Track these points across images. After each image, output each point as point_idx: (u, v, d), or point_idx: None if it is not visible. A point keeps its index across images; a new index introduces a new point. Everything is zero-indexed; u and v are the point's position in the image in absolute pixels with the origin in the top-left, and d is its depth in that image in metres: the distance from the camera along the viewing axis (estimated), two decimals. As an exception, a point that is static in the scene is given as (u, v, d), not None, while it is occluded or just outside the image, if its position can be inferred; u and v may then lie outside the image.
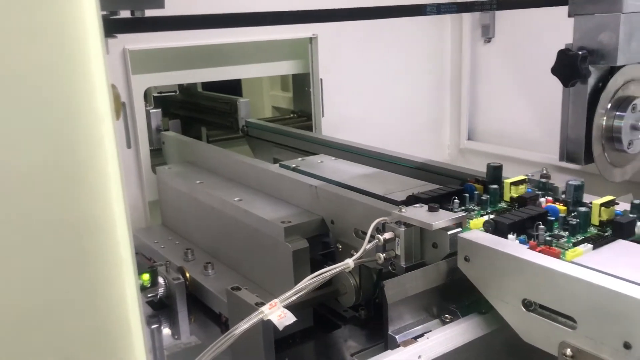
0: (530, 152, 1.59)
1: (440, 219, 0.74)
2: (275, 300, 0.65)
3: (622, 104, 0.84)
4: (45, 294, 0.36)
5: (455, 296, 0.75)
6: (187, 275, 1.05)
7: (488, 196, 0.84)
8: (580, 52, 0.79)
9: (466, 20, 1.74)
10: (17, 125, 0.33)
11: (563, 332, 0.62)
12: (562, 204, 0.79)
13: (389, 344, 0.68)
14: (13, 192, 0.34)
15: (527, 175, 0.89)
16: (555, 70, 0.82)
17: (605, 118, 0.84)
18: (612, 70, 0.83)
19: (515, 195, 0.85)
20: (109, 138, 0.35)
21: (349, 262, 0.72)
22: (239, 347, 0.85)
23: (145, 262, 0.50)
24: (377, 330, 0.86)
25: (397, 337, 0.68)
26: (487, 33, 1.69)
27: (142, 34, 1.28)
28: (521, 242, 0.69)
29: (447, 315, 0.73)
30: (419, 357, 0.65)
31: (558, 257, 0.65)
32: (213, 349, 0.60)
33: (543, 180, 0.88)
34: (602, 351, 0.58)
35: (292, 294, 0.65)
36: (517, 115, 1.68)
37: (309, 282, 0.67)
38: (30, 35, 0.33)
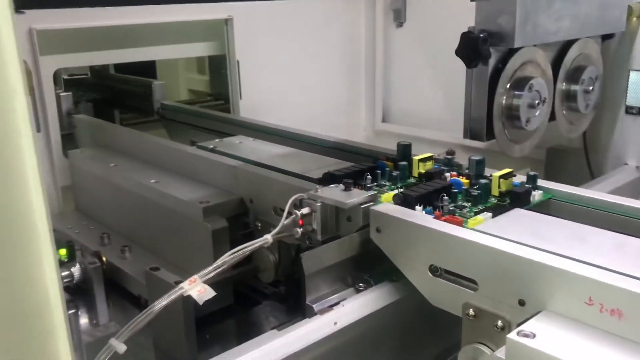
0: (441, 133, 1.66)
1: (353, 197, 0.77)
2: (195, 276, 0.66)
3: (519, 84, 0.91)
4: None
5: (368, 266, 0.79)
6: (104, 259, 1.03)
7: (398, 172, 0.89)
8: (481, 35, 0.84)
9: (379, 5, 1.79)
10: None
11: (466, 294, 0.67)
12: (465, 178, 0.85)
13: (307, 313, 0.71)
14: None
15: (433, 154, 0.94)
16: (458, 52, 0.87)
17: (504, 97, 0.91)
18: (511, 52, 0.89)
19: (422, 171, 0.89)
20: (22, 113, 0.36)
21: (268, 237, 0.74)
22: (160, 326, 0.86)
23: (62, 237, 0.50)
24: (297, 305, 0.89)
25: (314, 306, 0.71)
26: (398, 17, 1.75)
27: (50, 13, 1.24)
28: (427, 212, 0.74)
29: (361, 284, 0.76)
30: (335, 323, 0.69)
31: (461, 225, 0.70)
32: (132, 325, 0.61)
33: (448, 157, 0.94)
34: (500, 309, 0.64)
35: (212, 270, 0.67)
36: (428, 98, 1.74)
37: (228, 257, 0.69)
38: None
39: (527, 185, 0.81)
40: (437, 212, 0.73)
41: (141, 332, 0.93)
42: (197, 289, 0.65)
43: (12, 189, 0.37)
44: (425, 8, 1.71)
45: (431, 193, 0.77)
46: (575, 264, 0.58)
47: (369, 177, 0.87)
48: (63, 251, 0.50)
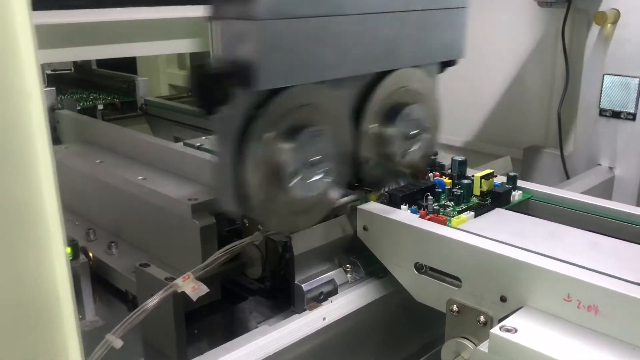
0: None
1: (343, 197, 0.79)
2: (188, 272, 0.67)
3: (289, 135, 0.68)
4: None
5: (356, 248, 0.81)
6: (90, 254, 1.04)
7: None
8: (216, 71, 0.61)
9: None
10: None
11: (450, 290, 0.70)
12: (448, 178, 0.87)
13: (296, 293, 0.73)
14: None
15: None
16: (192, 92, 0.65)
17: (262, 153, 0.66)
18: (276, 92, 0.65)
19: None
20: (38, 116, 0.37)
21: (259, 235, 0.76)
22: (150, 322, 0.87)
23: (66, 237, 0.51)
24: (282, 300, 0.91)
25: (303, 285, 0.73)
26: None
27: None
28: (412, 212, 0.76)
29: (348, 265, 0.79)
30: (324, 318, 0.71)
31: (445, 224, 0.73)
32: (128, 321, 0.62)
33: (431, 157, 0.96)
34: (482, 305, 0.67)
35: (205, 266, 0.69)
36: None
37: (221, 254, 0.71)
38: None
39: (507, 186, 0.84)
40: (421, 211, 0.76)
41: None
42: (191, 285, 0.67)
43: (27, 190, 0.38)
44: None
45: (416, 192, 0.80)
46: (554, 262, 0.61)
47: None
48: (68, 249, 0.52)
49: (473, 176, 0.84)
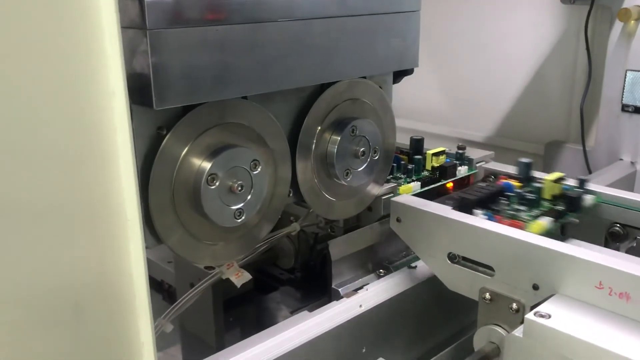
0: (445, 127, 1.72)
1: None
2: (232, 261, 0.70)
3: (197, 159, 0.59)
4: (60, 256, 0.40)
5: (388, 254, 0.84)
6: (126, 246, 1.07)
7: (413, 165, 0.94)
8: None
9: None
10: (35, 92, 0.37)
11: (483, 279, 0.72)
12: (517, 181, 0.88)
13: (332, 296, 0.76)
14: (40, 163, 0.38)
15: (445, 148, 0.99)
16: None
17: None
18: (189, 109, 0.57)
19: (436, 164, 0.95)
20: (120, 112, 0.40)
21: (296, 226, 0.79)
22: (188, 310, 0.91)
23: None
24: (311, 290, 0.94)
25: (340, 289, 0.76)
26: (401, 14, 1.79)
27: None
28: (489, 217, 0.77)
29: (381, 270, 0.82)
30: (360, 305, 0.74)
31: (523, 230, 0.72)
32: (177, 306, 0.65)
33: (460, 151, 0.99)
34: (515, 293, 0.69)
35: (248, 254, 0.72)
36: (430, 93, 1.80)
37: (260, 243, 0.74)
38: (50, 16, 0.37)
39: (579, 189, 0.84)
40: (497, 216, 0.77)
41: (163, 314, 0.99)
42: (235, 272, 0.70)
43: (107, 181, 0.41)
44: (425, 9, 1.76)
45: (487, 197, 0.82)
46: (586, 251, 0.64)
47: None
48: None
49: (542, 179, 0.85)
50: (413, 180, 0.88)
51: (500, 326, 0.71)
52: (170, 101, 0.54)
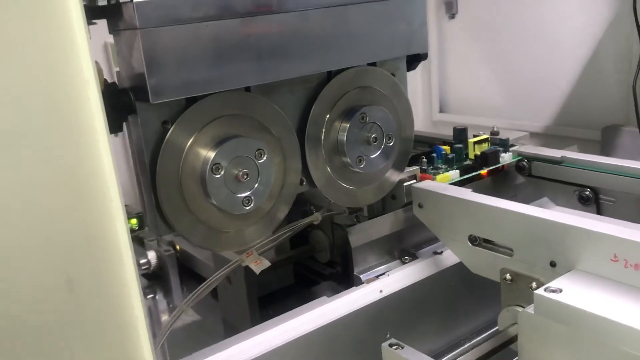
0: (498, 120, 1.68)
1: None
2: (252, 249, 0.73)
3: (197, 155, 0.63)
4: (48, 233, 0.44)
5: (415, 241, 0.84)
6: (177, 247, 1.13)
7: (454, 155, 0.93)
8: (112, 88, 0.60)
9: (430, -2, 1.83)
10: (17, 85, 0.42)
11: (503, 260, 0.71)
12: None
13: (355, 282, 0.77)
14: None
15: (488, 135, 0.98)
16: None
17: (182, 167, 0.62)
18: (194, 100, 0.61)
19: (478, 152, 0.94)
20: (95, 100, 0.44)
21: (318, 215, 0.80)
22: (227, 303, 0.95)
23: (132, 211, 0.58)
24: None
25: (361, 276, 0.77)
26: (450, 9, 1.78)
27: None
28: None
29: (406, 257, 0.82)
30: (380, 291, 0.74)
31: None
32: (197, 292, 0.69)
33: (499, 137, 0.98)
34: (534, 272, 0.68)
35: (267, 243, 0.74)
36: (484, 86, 1.76)
37: (281, 232, 0.76)
38: (23, 13, 0.41)
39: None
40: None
41: (211, 312, 1.03)
42: (254, 260, 0.72)
43: (90, 165, 0.45)
44: (474, 4, 1.74)
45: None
46: (599, 223, 0.62)
47: (424, 160, 0.92)
48: (134, 220, 0.59)
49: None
50: (453, 170, 0.90)
51: (522, 306, 0.69)
52: (167, 95, 0.58)
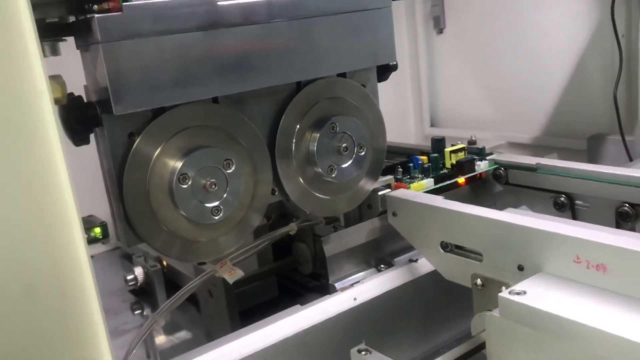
0: (486, 132, 1.69)
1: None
2: (225, 259, 0.74)
3: (161, 165, 0.64)
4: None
5: (392, 249, 0.84)
6: (164, 262, 1.14)
7: (430, 164, 0.95)
8: (77, 102, 0.61)
9: (419, 14, 1.85)
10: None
11: (473, 265, 0.71)
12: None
13: (330, 291, 0.78)
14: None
15: (465, 145, 0.99)
16: (64, 120, 0.61)
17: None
18: (161, 110, 0.62)
19: (454, 161, 0.95)
20: (49, 109, 0.45)
21: (293, 226, 0.81)
22: (210, 317, 0.95)
23: (95, 220, 0.59)
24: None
25: (336, 285, 0.78)
26: (438, 24, 1.80)
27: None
28: None
29: (382, 265, 0.82)
30: (355, 299, 0.75)
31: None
32: (170, 302, 0.70)
33: (476, 146, 0.99)
34: (504, 277, 0.68)
35: (242, 253, 0.75)
36: (473, 100, 1.78)
37: (255, 243, 0.77)
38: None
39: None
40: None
41: (195, 326, 1.04)
42: (228, 270, 0.73)
43: (46, 174, 0.46)
44: (463, 14, 1.76)
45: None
46: (561, 225, 0.62)
47: (400, 169, 0.93)
48: (97, 229, 0.60)
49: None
50: (429, 178, 0.92)
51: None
52: (130, 107, 0.59)
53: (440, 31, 1.81)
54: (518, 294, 0.59)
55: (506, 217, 0.67)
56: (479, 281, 0.71)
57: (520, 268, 0.66)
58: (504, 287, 0.68)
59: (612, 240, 0.58)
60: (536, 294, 0.59)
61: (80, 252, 0.48)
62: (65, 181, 0.47)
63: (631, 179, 0.80)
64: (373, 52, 0.77)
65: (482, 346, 0.68)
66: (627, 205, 0.79)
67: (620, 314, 0.54)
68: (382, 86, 1.83)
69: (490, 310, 0.70)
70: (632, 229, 0.81)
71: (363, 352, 0.63)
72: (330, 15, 0.71)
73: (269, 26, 0.66)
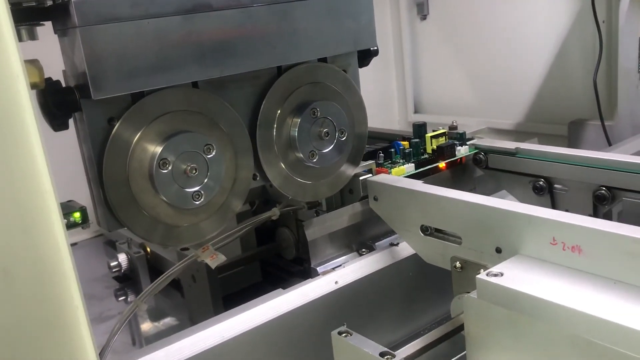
0: (470, 118, 1.70)
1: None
2: (207, 244, 0.74)
3: (142, 152, 0.64)
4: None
5: (373, 234, 0.85)
6: (148, 249, 1.14)
7: (411, 149, 0.95)
8: (56, 87, 0.61)
9: (402, 0, 1.85)
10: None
11: (452, 248, 0.72)
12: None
13: (312, 275, 0.79)
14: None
15: (446, 130, 1.00)
16: (42, 105, 0.60)
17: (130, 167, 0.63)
18: (139, 96, 0.62)
19: (434, 146, 0.96)
20: (25, 94, 0.45)
21: (275, 210, 0.82)
22: (194, 304, 0.96)
23: (75, 205, 0.59)
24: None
25: (318, 269, 0.79)
26: (422, 11, 1.80)
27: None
28: None
29: (364, 250, 0.83)
30: (336, 282, 0.75)
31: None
32: (151, 288, 0.70)
33: (456, 131, 0.99)
34: (482, 259, 0.69)
35: (223, 239, 0.75)
36: (456, 86, 1.78)
37: (237, 228, 0.77)
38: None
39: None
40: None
41: (179, 311, 1.04)
42: (210, 255, 0.73)
43: (23, 158, 0.46)
44: (446, 0, 1.76)
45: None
46: (538, 208, 0.63)
47: (381, 154, 0.94)
48: (77, 214, 0.60)
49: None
50: (410, 163, 0.92)
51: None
52: (109, 91, 0.59)
53: (424, 17, 1.81)
54: (495, 275, 0.60)
55: (484, 201, 0.68)
56: (458, 264, 0.72)
57: (498, 250, 0.67)
58: (482, 270, 0.69)
59: (587, 222, 0.59)
60: (513, 276, 0.60)
61: (59, 236, 0.48)
62: (43, 166, 0.47)
63: (608, 163, 0.81)
64: (354, 37, 0.77)
65: (461, 327, 0.69)
66: (604, 188, 0.80)
67: (595, 294, 0.55)
68: (366, 72, 1.83)
69: (468, 292, 0.71)
70: (609, 212, 0.82)
71: (344, 335, 0.64)
72: (310, 0, 0.71)
73: (248, 10, 0.66)
